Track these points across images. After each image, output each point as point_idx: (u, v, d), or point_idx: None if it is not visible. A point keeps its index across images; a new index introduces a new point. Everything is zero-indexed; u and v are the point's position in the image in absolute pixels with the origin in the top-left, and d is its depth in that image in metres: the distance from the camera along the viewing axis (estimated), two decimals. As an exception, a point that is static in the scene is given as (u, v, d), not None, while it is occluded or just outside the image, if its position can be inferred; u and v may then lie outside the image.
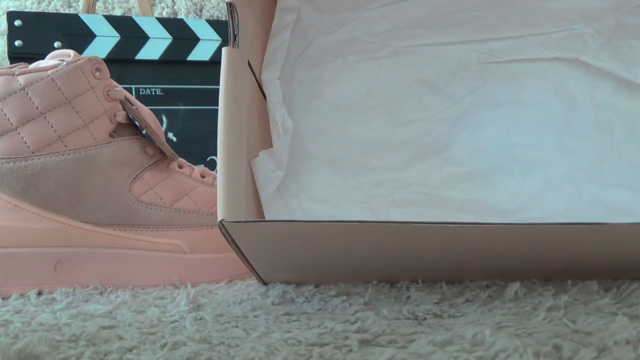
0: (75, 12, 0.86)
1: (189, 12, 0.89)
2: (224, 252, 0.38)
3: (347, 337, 0.23)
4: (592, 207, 0.43)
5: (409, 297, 0.29)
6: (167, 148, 0.39)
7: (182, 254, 0.38)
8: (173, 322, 0.27)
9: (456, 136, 0.46)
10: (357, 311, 0.27)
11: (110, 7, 0.89)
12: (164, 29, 0.61)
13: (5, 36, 0.57)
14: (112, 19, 0.60)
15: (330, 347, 0.22)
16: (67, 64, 0.36)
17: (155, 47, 0.60)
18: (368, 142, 0.45)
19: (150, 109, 0.40)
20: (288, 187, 0.42)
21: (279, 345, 0.23)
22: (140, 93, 0.60)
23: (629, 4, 0.44)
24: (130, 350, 0.23)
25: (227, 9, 0.31)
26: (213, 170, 0.48)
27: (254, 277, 0.36)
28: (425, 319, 0.26)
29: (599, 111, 0.46)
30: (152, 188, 0.38)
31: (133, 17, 0.61)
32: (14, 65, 0.37)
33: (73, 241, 0.36)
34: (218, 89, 0.30)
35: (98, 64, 0.37)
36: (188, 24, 0.62)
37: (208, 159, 0.60)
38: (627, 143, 0.45)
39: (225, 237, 0.27)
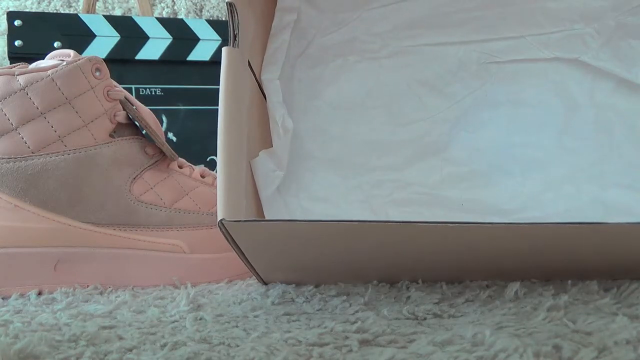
0: (75, 12, 0.86)
1: (189, 12, 0.89)
2: (224, 252, 0.38)
3: (347, 337, 0.23)
4: (592, 207, 0.43)
5: (409, 297, 0.29)
6: (167, 148, 0.39)
7: (182, 254, 0.38)
8: (173, 322, 0.27)
9: (456, 136, 0.46)
10: (357, 311, 0.27)
11: (110, 7, 0.89)
12: (164, 29, 0.61)
13: (5, 36, 0.57)
14: (112, 19, 0.60)
15: (330, 347, 0.22)
16: (67, 64, 0.36)
17: (155, 47, 0.60)
18: (368, 142, 0.45)
19: (150, 109, 0.40)
20: (288, 186, 0.42)
21: (279, 345, 0.23)
22: (140, 93, 0.60)
23: (628, 4, 0.44)
24: (130, 350, 0.23)
25: (227, 8, 0.31)
26: (213, 170, 0.48)
27: (254, 277, 0.36)
28: (425, 319, 0.26)
29: (599, 111, 0.46)
30: (152, 188, 0.38)
31: (133, 17, 0.61)
32: (14, 65, 0.37)
33: (73, 241, 0.36)
34: (218, 89, 0.30)
35: (98, 64, 0.37)
36: (188, 24, 0.62)
37: (208, 159, 0.61)
38: (627, 143, 0.45)
39: (225, 236, 0.27)
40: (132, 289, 0.36)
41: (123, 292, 0.34)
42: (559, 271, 0.30)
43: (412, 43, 0.46)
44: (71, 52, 0.37)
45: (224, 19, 0.87)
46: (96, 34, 0.59)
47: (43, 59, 0.38)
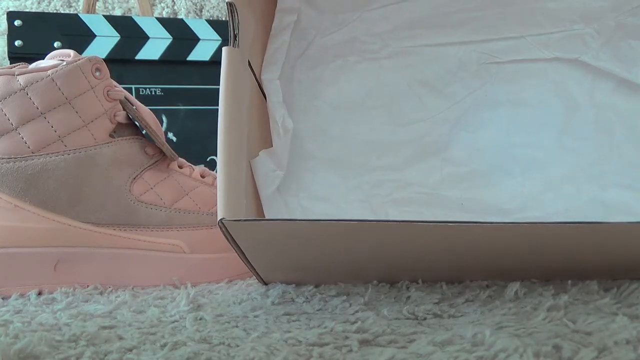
0: (75, 12, 0.86)
1: (189, 12, 0.89)
2: (224, 252, 0.38)
3: (347, 337, 0.23)
4: (592, 207, 0.43)
5: (409, 297, 0.29)
6: (167, 148, 0.39)
7: (182, 254, 0.38)
8: (173, 322, 0.27)
9: (456, 136, 0.46)
10: (357, 311, 0.27)
11: (110, 7, 0.89)
12: (164, 29, 0.61)
13: (5, 36, 0.57)
14: (112, 19, 0.60)
15: (330, 347, 0.22)
16: (67, 64, 0.36)
17: (155, 47, 0.60)
18: (368, 142, 0.45)
19: (150, 109, 0.40)
20: (288, 186, 0.42)
21: (279, 345, 0.23)
22: (140, 93, 0.60)
23: (628, 5, 0.44)
24: (130, 350, 0.23)
25: (228, 8, 0.31)
26: (213, 170, 0.48)
27: (254, 277, 0.36)
28: (425, 319, 0.26)
29: (599, 111, 0.46)
30: (152, 188, 0.38)
31: (133, 17, 0.61)
32: (14, 65, 0.37)
33: (73, 241, 0.36)
34: (218, 89, 0.30)
35: (98, 64, 0.37)
36: (188, 24, 0.62)
37: (208, 159, 0.61)
38: (627, 143, 0.45)
39: (225, 236, 0.27)
40: (132, 289, 0.36)
41: (123, 292, 0.34)
42: (559, 271, 0.30)
43: (412, 43, 0.46)
44: (71, 52, 0.37)
45: (224, 19, 0.87)
46: (96, 34, 0.59)
47: (43, 59, 0.38)
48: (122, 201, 0.37)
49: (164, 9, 0.89)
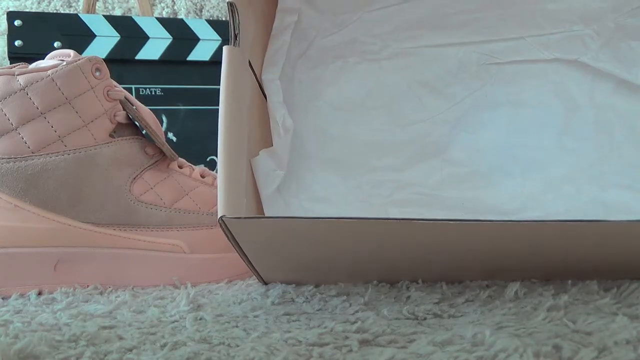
0: (75, 12, 0.86)
1: (189, 12, 0.89)
2: (224, 252, 0.38)
3: (347, 337, 0.23)
4: (592, 207, 0.43)
5: (409, 297, 0.29)
6: (167, 148, 0.39)
7: (182, 254, 0.38)
8: (173, 322, 0.27)
9: (456, 137, 0.46)
10: (357, 311, 0.27)
11: (110, 7, 0.89)
12: (164, 29, 0.61)
13: (5, 36, 0.57)
14: (112, 19, 0.60)
15: (330, 347, 0.22)
16: (67, 64, 0.36)
17: (155, 47, 0.60)
18: (368, 143, 0.45)
19: (150, 109, 0.40)
20: (288, 187, 0.42)
21: (279, 345, 0.23)
22: (140, 93, 0.60)
23: (628, 6, 0.44)
24: (130, 350, 0.23)
25: (228, 8, 0.31)
26: (213, 170, 0.48)
27: (254, 277, 0.36)
28: (425, 319, 0.26)
29: (598, 112, 0.46)
30: (152, 188, 0.38)
31: (133, 17, 0.61)
32: (14, 65, 0.37)
33: (73, 241, 0.36)
34: (218, 89, 0.30)
35: (98, 64, 0.37)
36: (188, 24, 0.62)
37: (208, 159, 0.61)
38: (627, 143, 0.45)
39: (225, 234, 0.27)
40: (132, 289, 0.36)
41: (123, 292, 0.34)
42: (559, 271, 0.30)
43: (412, 44, 0.46)
44: (71, 52, 0.37)
45: (224, 19, 0.87)
46: (96, 34, 0.59)
47: (43, 59, 0.38)
48: (122, 201, 0.37)
49: (164, 9, 0.89)
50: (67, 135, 0.36)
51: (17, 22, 0.56)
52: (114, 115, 0.38)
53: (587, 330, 0.22)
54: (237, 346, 0.23)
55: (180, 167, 0.41)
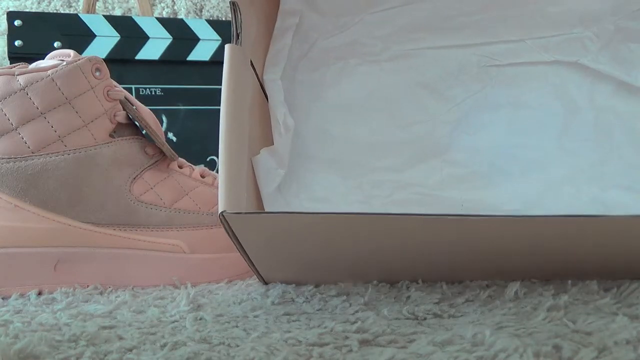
0: (75, 12, 0.86)
1: (189, 12, 0.89)
2: (224, 252, 0.38)
3: (347, 337, 0.23)
4: (592, 208, 0.43)
5: (409, 297, 0.29)
6: (167, 148, 0.39)
7: (182, 254, 0.38)
8: (173, 322, 0.27)
9: (457, 138, 0.46)
10: (357, 311, 0.27)
11: (110, 7, 0.89)
12: (164, 29, 0.61)
13: (5, 36, 0.57)
14: (112, 19, 0.60)
15: (330, 347, 0.22)
16: (67, 64, 0.36)
17: (155, 47, 0.60)
18: (369, 144, 0.45)
19: (150, 109, 0.40)
20: (289, 186, 0.42)
21: (279, 345, 0.23)
22: (140, 93, 0.60)
23: (627, 8, 0.44)
24: (130, 350, 0.23)
25: (231, 8, 0.31)
26: (213, 170, 0.48)
27: (254, 277, 0.36)
28: (425, 319, 0.26)
29: (598, 113, 0.46)
30: (152, 188, 0.38)
31: (133, 17, 0.61)
32: (14, 65, 0.37)
33: (73, 241, 0.36)
34: (218, 89, 0.30)
35: (98, 64, 0.37)
36: (188, 24, 0.62)
37: (208, 159, 0.61)
38: (626, 145, 0.45)
39: (226, 229, 0.27)
40: (132, 289, 0.36)
41: (123, 292, 0.34)
42: (559, 271, 0.30)
43: (413, 46, 0.46)
44: (71, 52, 0.37)
45: (224, 19, 0.87)
46: (96, 34, 0.59)
47: (43, 59, 0.38)
48: (122, 201, 0.37)
49: (164, 9, 0.89)
50: (67, 135, 0.36)
51: (17, 22, 0.56)
52: (114, 115, 0.38)
53: (587, 330, 0.22)
54: (237, 346, 0.23)
55: (180, 167, 0.41)
